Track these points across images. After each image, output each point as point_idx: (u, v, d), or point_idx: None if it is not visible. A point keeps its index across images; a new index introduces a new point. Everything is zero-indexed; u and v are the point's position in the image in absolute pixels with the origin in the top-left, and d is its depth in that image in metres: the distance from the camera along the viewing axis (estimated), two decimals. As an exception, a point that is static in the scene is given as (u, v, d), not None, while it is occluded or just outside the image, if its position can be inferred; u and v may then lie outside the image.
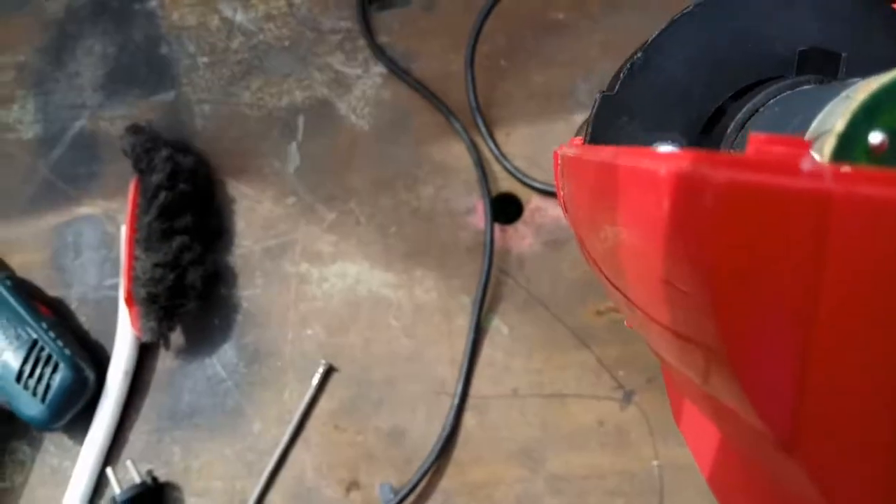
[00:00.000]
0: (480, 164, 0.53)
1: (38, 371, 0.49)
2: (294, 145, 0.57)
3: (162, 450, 0.50)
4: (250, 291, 0.53)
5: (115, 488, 0.48)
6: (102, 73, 0.63)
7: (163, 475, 0.50)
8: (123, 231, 0.53)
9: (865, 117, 0.11)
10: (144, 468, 0.50)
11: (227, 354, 0.52)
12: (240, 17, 0.63)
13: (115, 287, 0.55)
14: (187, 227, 0.52)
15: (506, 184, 0.53)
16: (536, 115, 0.55)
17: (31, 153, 0.62)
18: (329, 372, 0.49)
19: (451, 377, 0.48)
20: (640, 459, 0.45)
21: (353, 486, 0.47)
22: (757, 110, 0.14)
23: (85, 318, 0.55)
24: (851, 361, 0.09)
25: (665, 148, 0.15)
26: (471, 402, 0.47)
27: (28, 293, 0.54)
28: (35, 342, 0.50)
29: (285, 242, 0.54)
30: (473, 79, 0.55)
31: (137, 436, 0.51)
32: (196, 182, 0.54)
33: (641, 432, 0.46)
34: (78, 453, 0.50)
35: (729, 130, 0.15)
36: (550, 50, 0.57)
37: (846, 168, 0.09)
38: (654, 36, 0.16)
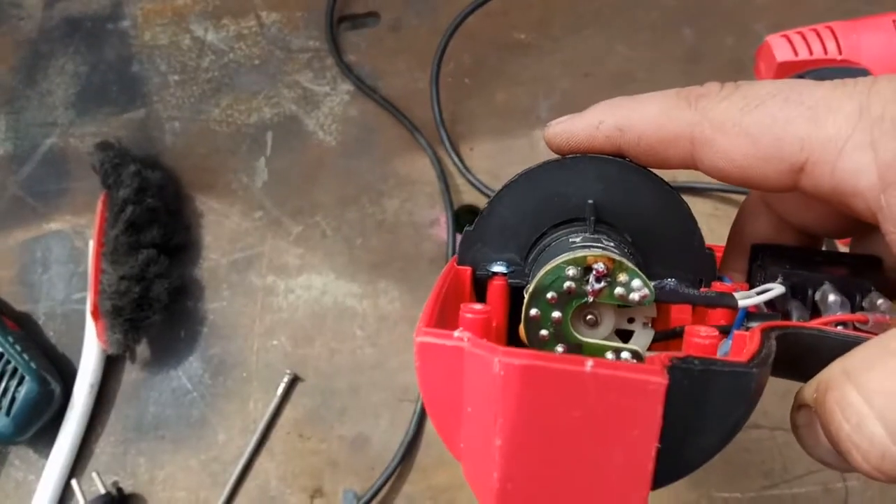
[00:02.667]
0: (444, 177, 0.55)
1: (3, 384, 0.49)
2: (262, 161, 0.58)
3: (127, 461, 0.50)
4: (217, 304, 0.54)
5: (79, 500, 0.48)
6: (74, 92, 0.64)
7: (128, 486, 0.50)
8: (91, 245, 0.53)
9: (543, 285, 0.20)
10: (110, 480, 0.50)
11: (193, 366, 0.52)
12: (211, 37, 0.64)
13: (83, 301, 0.55)
14: (154, 240, 0.52)
15: (468, 196, 0.54)
16: (499, 131, 0.56)
17: (1, 170, 0.62)
18: (294, 382, 0.50)
19: (414, 384, 0.49)
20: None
21: (316, 493, 0.47)
22: (547, 246, 0.23)
23: (52, 332, 0.55)
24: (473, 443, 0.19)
25: (497, 268, 0.24)
26: (433, 408, 0.48)
27: (-5, 308, 0.54)
28: (0, 355, 0.50)
29: (252, 255, 0.55)
30: (438, 96, 0.56)
31: (103, 448, 0.51)
32: (164, 197, 0.55)
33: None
34: (43, 467, 0.50)
35: (530, 259, 0.24)
36: (513, 69, 0.59)
37: (471, 336, 0.18)
38: (495, 194, 0.24)
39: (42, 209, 0.60)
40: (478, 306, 0.20)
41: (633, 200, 0.23)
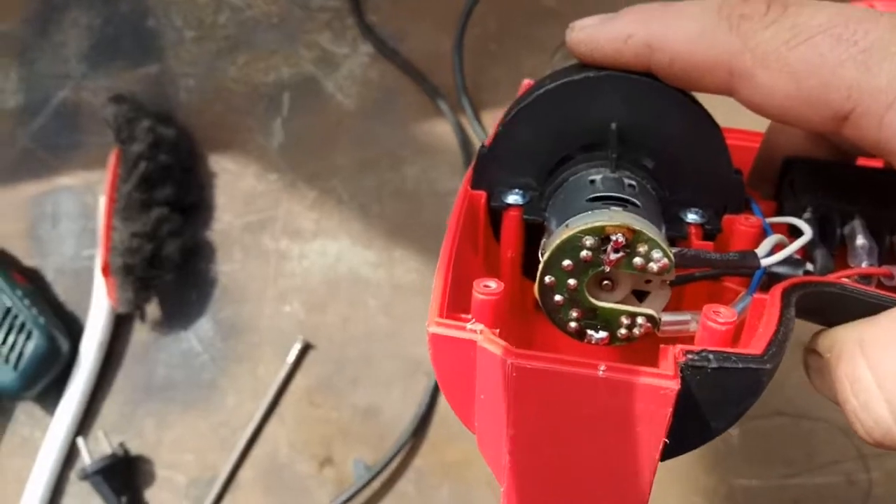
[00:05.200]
0: (466, 146, 0.53)
1: (10, 338, 0.48)
2: (279, 122, 0.57)
3: (135, 422, 0.50)
4: (229, 266, 0.53)
5: (85, 459, 0.48)
6: (88, 45, 0.63)
7: (135, 447, 0.49)
8: (102, 201, 0.52)
9: (559, 253, 0.19)
10: (117, 440, 0.49)
11: (204, 328, 0.51)
12: (229, -7, 0.62)
13: (93, 258, 0.54)
14: (167, 198, 0.51)
15: (490, 166, 0.53)
16: (523, 99, 0.55)
17: (12, 122, 0.61)
18: (306, 349, 0.49)
19: (428, 356, 0.48)
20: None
21: (326, 462, 0.46)
22: (566, 181, 0.22)
23: (61, 288, 0.54)
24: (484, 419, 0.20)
25: (512, 198, 0.23)
26: (447, 381, 0.47)
27: (3, 261, 0.53)
28: (9, 309, 0.49)
29: (266, 218, 0.54)
30: (461, 61, 0.55)
31: (110, 407, 0.50)
32: (177, 154, 0.53)
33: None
34: (49, 424, 0.49)
35: (547, 190, 0.23)
36: (541, 36, 0.57)
37: (483, 329, 0.18)
38: (511, 114, 0.22)
39: (53, 163, 0.58)
40: (491, 284, 0.20)
41: (659, 123, 0.22)
